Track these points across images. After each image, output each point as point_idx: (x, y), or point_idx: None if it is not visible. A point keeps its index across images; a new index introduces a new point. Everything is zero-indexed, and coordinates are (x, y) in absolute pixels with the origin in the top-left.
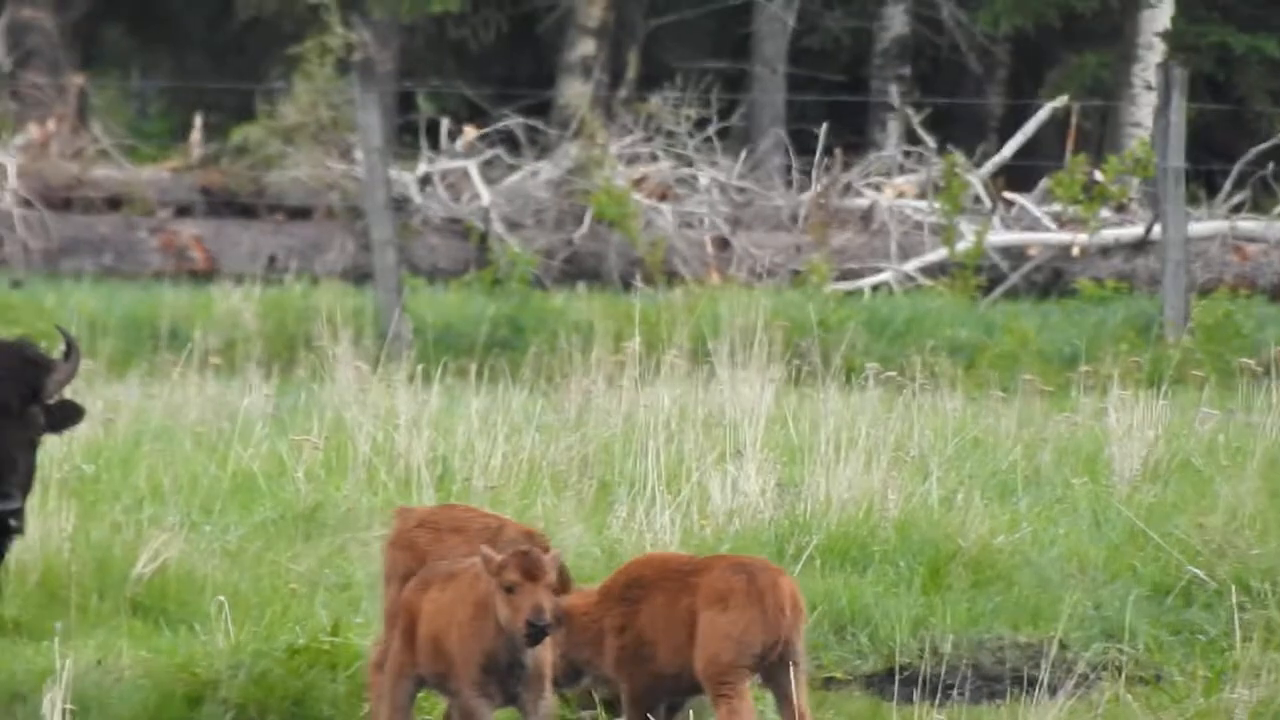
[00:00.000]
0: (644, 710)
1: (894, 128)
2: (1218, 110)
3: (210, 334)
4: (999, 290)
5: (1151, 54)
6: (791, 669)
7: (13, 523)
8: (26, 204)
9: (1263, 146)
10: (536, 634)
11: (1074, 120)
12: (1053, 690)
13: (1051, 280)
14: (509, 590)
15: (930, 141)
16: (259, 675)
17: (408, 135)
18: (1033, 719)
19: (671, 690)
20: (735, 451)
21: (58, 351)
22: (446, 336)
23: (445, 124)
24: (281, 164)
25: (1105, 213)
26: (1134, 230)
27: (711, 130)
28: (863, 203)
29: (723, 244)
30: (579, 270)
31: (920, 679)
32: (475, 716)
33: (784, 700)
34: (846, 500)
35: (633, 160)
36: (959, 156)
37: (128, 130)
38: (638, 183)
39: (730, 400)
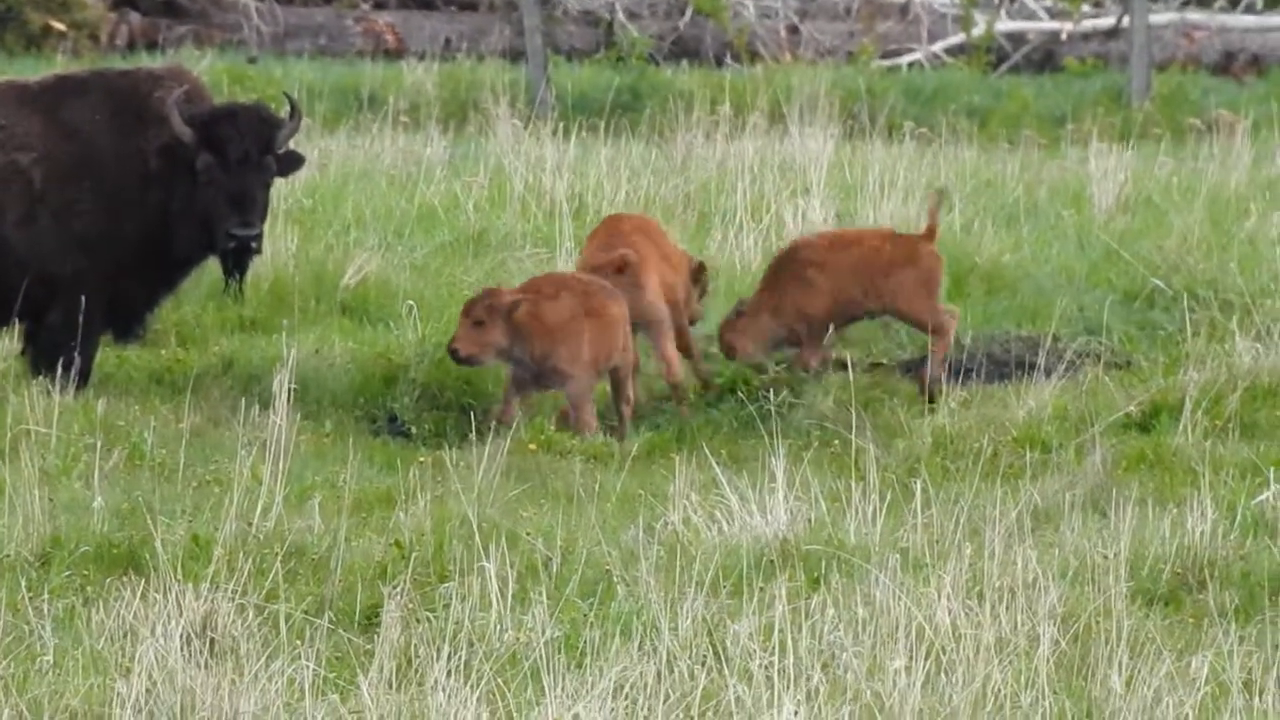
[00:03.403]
0: None
1: None
2: None
3: (400, 99)
4: (1005, 66)
5: None
6: None
7: (254, 245)
8: None
9: None
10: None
11: None
12: (1047, 373)
13: (1045, 59)
14: None
15: None
16: (439, 361)
17: None
18: (1032, 395)
19: None
20: (804, 190)
21: (283, 112)
22: (581, 102)
23: None
24: None
25: (1086, 7)
26: (1108, 20)
27: None
28: None
29: (793, 30)
30: (683, 50)
31: (946, 364)
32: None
33: None
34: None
35: None
36: None
37: None
38: None
39: (799, 150)
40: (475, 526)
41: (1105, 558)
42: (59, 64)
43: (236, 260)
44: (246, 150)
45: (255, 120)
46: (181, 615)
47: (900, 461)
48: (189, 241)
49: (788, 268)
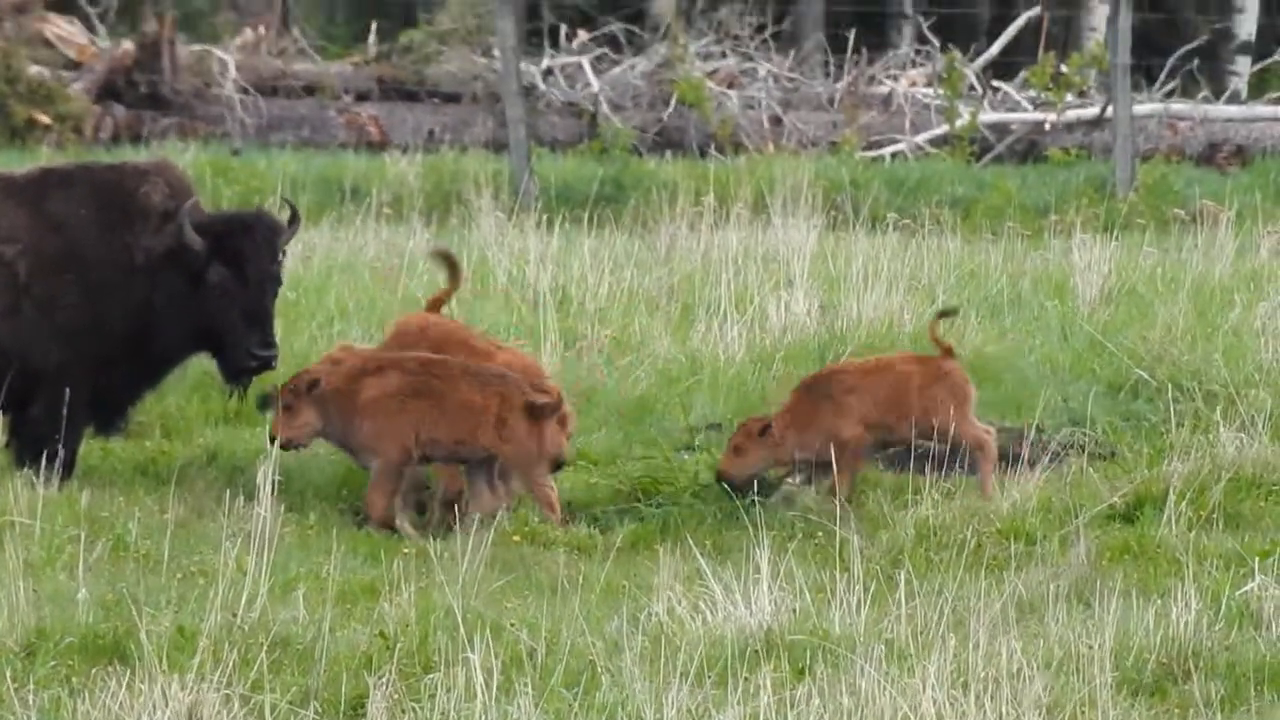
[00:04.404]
0: None
1: (908, 31)
2: (1155, 17)
3: (383, 191)
4: (988, 157)
5: None
6: None
7: (273, 364)
8: (244, 91)
9: (1189, 46)
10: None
11: (1045, 26)
12: (1032, 464)
13: (1028, 149)
14: None
15: (935, 42)
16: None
17: (535, 37)
18: (1016, 486)
19: None
20: (787, 281)
21: (274, 210)
22: (565, 193)
23: (564, 28)
24: (438, 60)
25: (1069, 97)
26: (1092, 111)
27: (768, 34)
28: (884, 90)
29: (776, 121)
30: (666, 141)
31: (930, 456)
32: None
33: None
34: (873, 318)
35: (707, 57)
36: (958, 54)
37: (320, 34)
38: (711, 74)
39: (783, 241)
40: (460, 617)
41: (1090, 648)
42: (44, 156)
43: (251, 374)
44: (268, 267)
45: (268, 232)
46: (167, 706)
47: (884, 553)
48: (176, 339)
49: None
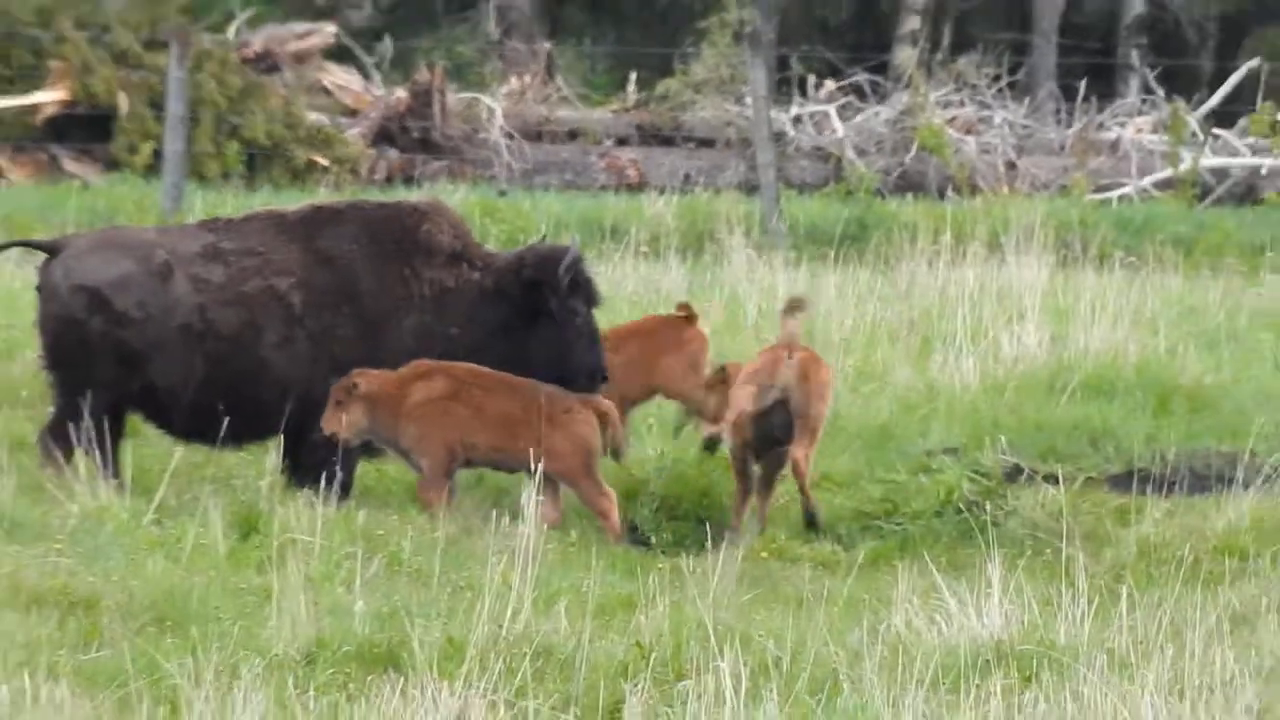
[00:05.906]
0: None
1: (1135, 82)
2: None
3: (641, 230)
4: (1209, 199)
5: None
6: None
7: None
8: (509, 136)
9: None
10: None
11: (1263, 76)
12: (1246, 486)
13: (1246, 192)
14: None
15: (1160, 92)
16: (677, 475)
17: (784, 86)
18: (1232, 507)
19: None
20: (1019, 315)
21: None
22: (812, 232)
23: (811, 79)
24: (693, 108)
25: None
26: None
27: (1003, 83)
28: (1111, 136)
29: (1011, 166)
30: (908, 184)
31: (1151, 478)
32: None
33: None
34: (1099, 350)
35: (947, 105)
36: (1181, 103)
37: (582, 82)
38: (950, 121)
39: (1016, 278)
40: (711, 629)
41: None
42: (321, 196)
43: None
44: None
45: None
46: (438, 711)
47: (1107, 568)
48: None
49: None
